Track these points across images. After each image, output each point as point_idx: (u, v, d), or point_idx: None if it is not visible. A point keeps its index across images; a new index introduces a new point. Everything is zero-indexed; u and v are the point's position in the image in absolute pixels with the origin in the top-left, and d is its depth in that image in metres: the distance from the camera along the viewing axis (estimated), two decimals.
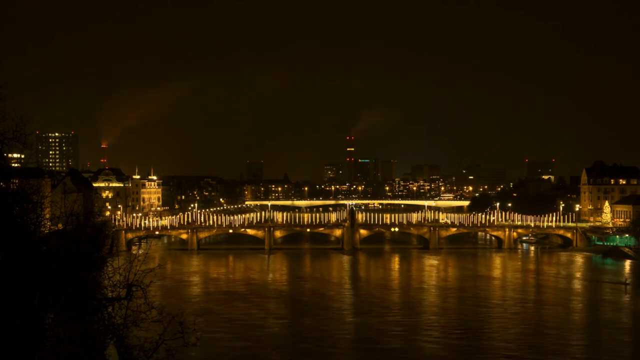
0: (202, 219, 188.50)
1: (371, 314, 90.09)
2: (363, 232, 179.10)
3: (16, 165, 58.08)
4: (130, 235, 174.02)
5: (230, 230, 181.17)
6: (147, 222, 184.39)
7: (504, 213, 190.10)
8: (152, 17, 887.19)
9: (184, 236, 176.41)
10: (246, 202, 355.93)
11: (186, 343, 35.21)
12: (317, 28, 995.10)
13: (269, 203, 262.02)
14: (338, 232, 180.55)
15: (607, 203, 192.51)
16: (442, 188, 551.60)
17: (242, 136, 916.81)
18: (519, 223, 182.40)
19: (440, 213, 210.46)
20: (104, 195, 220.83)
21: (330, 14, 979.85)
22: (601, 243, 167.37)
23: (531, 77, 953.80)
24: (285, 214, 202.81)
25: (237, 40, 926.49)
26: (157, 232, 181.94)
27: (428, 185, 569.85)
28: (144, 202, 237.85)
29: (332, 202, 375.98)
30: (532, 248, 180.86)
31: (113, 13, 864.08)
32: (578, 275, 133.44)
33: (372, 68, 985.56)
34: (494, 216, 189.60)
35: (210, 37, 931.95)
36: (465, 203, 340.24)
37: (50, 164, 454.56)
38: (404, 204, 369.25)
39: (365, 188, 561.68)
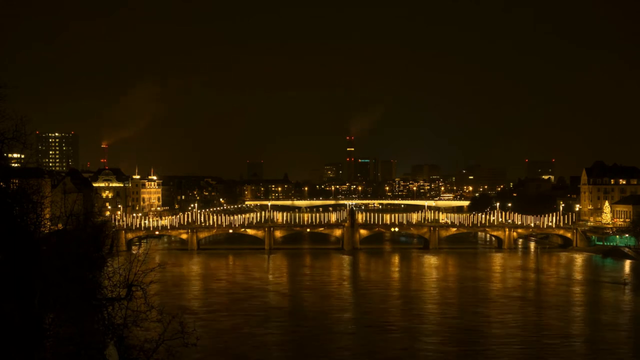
0: (202, 219, 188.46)
1: (371, 314, 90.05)
2: (363, 232, 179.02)
3: (16, 165, 58.08)
4: (130, 235, 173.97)
5: (230, 230, 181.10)
6: (147, 222, 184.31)
7: (504, 213, 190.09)
8: (152, 16, 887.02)
9: (184, 236, 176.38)
10: (246, 202, 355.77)
11: (186, 343, 35.21)
12: (316, 26, 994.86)
13: (269, 203, 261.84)
14: (338, 232, 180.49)
15: (607, 203, 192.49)
16: (442, 188, 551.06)
17: (242, 136, 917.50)
18: (519, 223, 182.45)
19: (440, 213, 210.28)
20: (104, 195, 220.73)
21: (330, 11, 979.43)
22: (601, 243, 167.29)
23: (531, 77, 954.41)
24: (285, 214, 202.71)
25: (238, 38, 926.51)
26: (157, 232, 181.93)
27: (428, 185, 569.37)
28: (144, 202, 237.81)
29: (332, 202, 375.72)
30: (532, 248, 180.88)
31: (113, 12, 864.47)
32: (578, 275, 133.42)
33: (373, 67, 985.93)
34: (493, 216, 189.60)
35: (211, 34, 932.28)
36: (465, 203, 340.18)
37: (50, 164, 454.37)
38: (404, 204, 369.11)
39: (365, 188, 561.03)
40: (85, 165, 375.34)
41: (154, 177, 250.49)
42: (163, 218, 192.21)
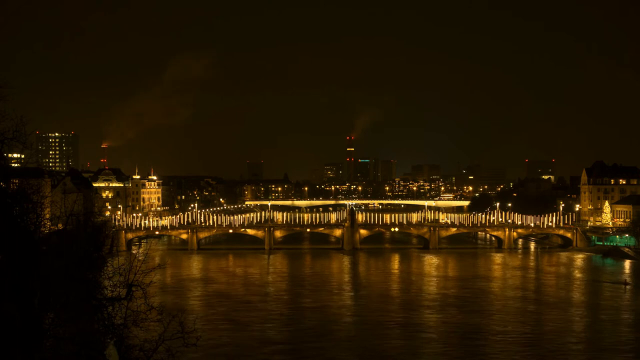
0: (202, 219, 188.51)
1: (371, 314, 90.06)
2: (363, 232, 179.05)
3: (16, 165, 58.08)
4: (130, 235, 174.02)
5: (230, 230, 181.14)
6: (147, 222, 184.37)
7: (504, 213, 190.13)
8: (152, 16, 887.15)
9: (184, 236, 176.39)
10: (246, 202, 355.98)
11: (186, 343, 35.20)
12: (316, 26, 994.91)
13: (269, 203, 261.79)
14: (338, 232, 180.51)
15: (607, 203, 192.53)
16: (442, 188, 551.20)
17: (242, 136, 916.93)
18: (519, 223, 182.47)
19: (440, 213, 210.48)
20: (104, 195, 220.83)
21: (330, 11, 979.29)
22: (601, 243, 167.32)
23: (531, 77, 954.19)
24: (285, 214, 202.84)
25: (237, 38, 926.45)
26: (157, 232, 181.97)
27: (428, 185, 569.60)
28: (144, 202, 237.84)
29: (332, 202, 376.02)
30: (532, 248, 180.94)
31: (113, 12, 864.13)
32: (578, 275, 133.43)
33: (373, 67, 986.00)
34: (493, 216, 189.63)
35: (210, 34, 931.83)
36: (465, 203, 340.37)
37: (50, 164, 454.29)
38: (404, 204, 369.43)
39: (365, 188, 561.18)
40: (85, 165, 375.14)
41: (154, 177, 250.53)
42: (163, 218, 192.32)
